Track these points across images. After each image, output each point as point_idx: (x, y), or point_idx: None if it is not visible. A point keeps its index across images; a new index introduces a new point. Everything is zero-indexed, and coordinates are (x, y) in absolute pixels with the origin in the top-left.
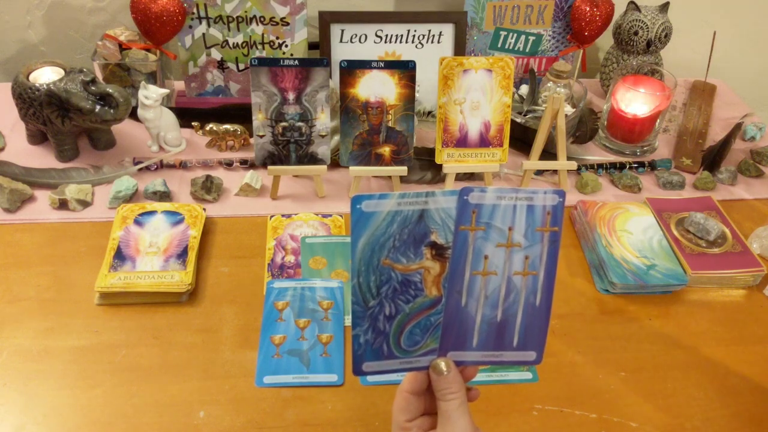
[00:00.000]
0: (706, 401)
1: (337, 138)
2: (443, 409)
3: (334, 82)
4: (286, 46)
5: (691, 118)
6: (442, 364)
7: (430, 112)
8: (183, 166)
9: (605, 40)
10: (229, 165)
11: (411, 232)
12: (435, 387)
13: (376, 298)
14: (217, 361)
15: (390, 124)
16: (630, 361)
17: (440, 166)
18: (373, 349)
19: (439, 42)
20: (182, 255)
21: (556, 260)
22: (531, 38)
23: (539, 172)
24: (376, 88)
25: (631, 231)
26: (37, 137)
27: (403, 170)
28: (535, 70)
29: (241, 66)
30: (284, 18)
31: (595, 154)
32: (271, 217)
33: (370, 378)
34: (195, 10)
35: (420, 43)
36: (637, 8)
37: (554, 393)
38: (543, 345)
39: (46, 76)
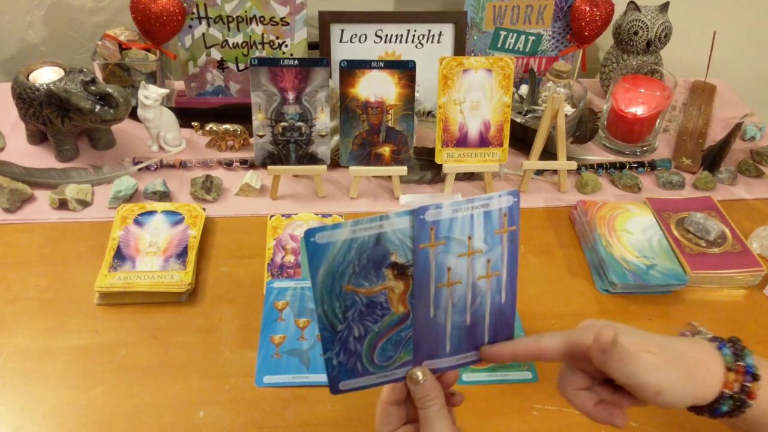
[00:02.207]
0: None
1: (337, 138)
2: (423, 415)
3: (334, 82)
4: (286, 46)
5: (691, 118)
6: (418, 373)
7: (430, 112)
8: (183, 166)
9: (605, 40)
10: (229, 165)
11: (370, 256)
12: (413, 395)
13: (343, 323)
14: (217, 361)
15: (390, 124)
16: None
17: (440, 166)
18: (347, 368)
19: (439, 42)
20: (182, 255)
21: (516, 257)
22: (531, 38)
23: (539, 172)
24: (376, 88)
25: (631, 231)
26: (37, 137)
27: (402, 170)
28: (535, 70)
29: (241, 66)
30: (284, 18)
31: (595, 154)
32: (271, 217)
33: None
34: (195, 10)
35: (420, 43)
36: (637, 8)
37: (554, 393)
38: (512, 338)
39: (46, 76)
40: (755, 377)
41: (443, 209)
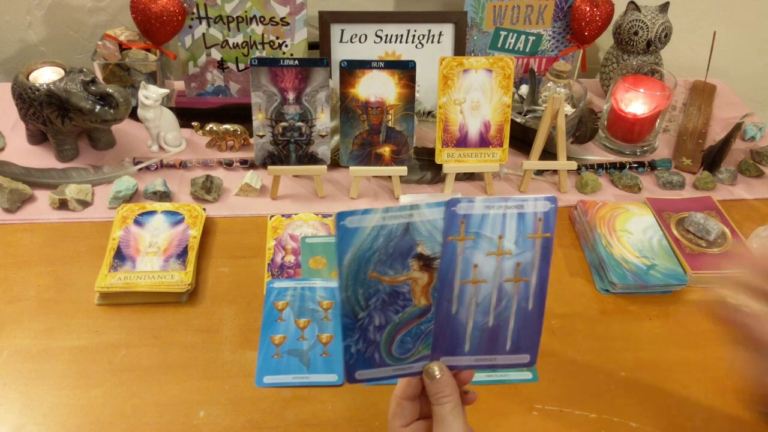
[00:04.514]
0: (706, 401)
1: (337, 138)
2: (437, 412)
3: (334, 82)
4: (286, 46)
5: (691, 118)
6: (435, 369)
7: (430, 112)
8: (183, 166)
9: (605, 40)
10: (229, 165)
11: (397, 245)
12: (429, 391)
13: (365, 310)
14: (217, 361)
15: (390, 124)
16: (630, 361)
17: (440, 166)
18: (365, 357)
19: (439, 42)
20: (182, 255)
21: (548, 266)
22: (531, 38)
23: (539, 172)
24: (376, 88)
25: (631, 231)
26: (37, 137)
27: (403, 170)
28: (535, 70)
29: (241, 66)
30: (284, 18)
31: (595, 154)
32: (271, 217)
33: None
34: (195, 10)
35: (420, 43)
36: (637, 8)
37: (554, 393)
38: (536, 347)
39: (46, 76)
40: None
41: (476, 204)
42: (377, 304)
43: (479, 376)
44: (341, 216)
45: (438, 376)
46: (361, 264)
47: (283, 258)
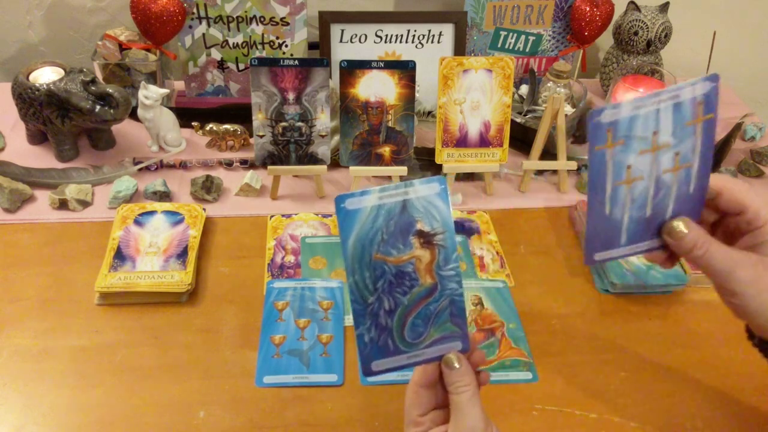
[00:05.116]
0: (706, 401)
1: (337, 138)
2: (455, 401)
3: (334, 82)
4: (286, 46)
5: None
6: (453, 358)
7: (430, 112)
8: (183, 166)
9: (605, 40)
10: (229, 165)
11: (397, 223)
12: (447, 380)
13: (374, 294)
14: (217, 361)
15: (390, 124)
16: (630, 361)
17: (440, 166)
18: (379, 346)
19: (439, 42)
20: (182, 255)
21: (712, 146)
22: (531, 38)
23: (539, 172)
24: (376, 88)
25: None
26: (37, 137)
27: (403, 170)
28: (535, 70)
29: (241, 66)
30: (284, 18)
31: None
32: (271, 217)
33: (370, 377)
34: (195, 10)
35: (420, 43)
36: (637, 8)
37: (554, 393)
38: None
39: (46, 76)
40: None
41: (622, 108)
42: (385, 286)
43: None
44: (340, 199)
45: (457, 366)
46: (365, 245)
47: (283, 258)
